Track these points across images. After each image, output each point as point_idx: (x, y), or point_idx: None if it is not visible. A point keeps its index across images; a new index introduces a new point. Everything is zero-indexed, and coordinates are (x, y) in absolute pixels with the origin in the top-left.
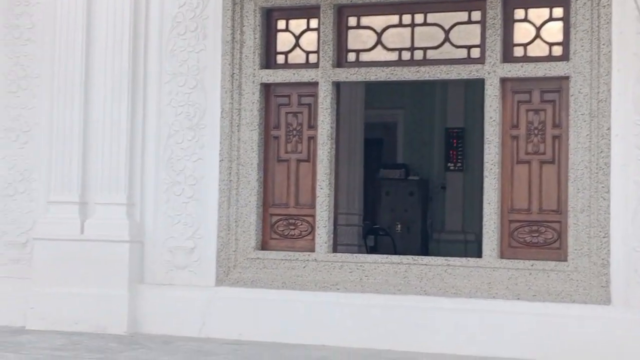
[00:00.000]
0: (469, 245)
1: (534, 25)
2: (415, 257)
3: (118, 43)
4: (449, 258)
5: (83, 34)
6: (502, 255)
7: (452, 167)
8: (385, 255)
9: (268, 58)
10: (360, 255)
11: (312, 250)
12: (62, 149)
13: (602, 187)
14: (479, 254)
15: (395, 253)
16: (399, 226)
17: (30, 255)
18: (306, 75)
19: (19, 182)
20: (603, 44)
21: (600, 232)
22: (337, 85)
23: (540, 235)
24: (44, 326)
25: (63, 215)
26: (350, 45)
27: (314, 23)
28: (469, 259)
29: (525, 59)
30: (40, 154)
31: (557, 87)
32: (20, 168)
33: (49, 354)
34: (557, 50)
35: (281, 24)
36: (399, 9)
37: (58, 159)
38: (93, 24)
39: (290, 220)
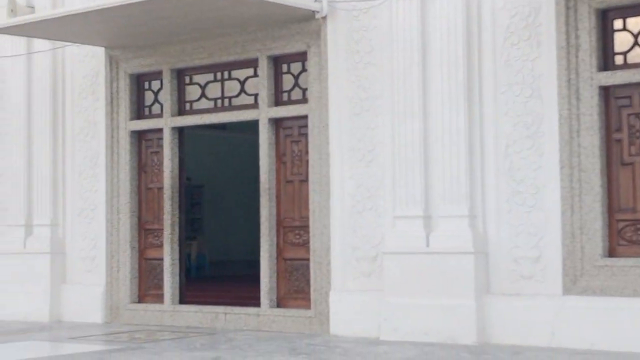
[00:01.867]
0: None
1: None
2: None
3: (452, 58)
4: None
5: (419, 52)
6: None
7: None
8: None
9: (606, 60)
10: None
11: None
12: (405, 164)
13: None
14: None
15: None
16: None
17: (381, 269)
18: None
19: (367, 199)
20: None
21: None
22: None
23: None
24: (397, 337)
25: (409, 229)
26: None
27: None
28: None
29: None
30: (385, 170)
31: None
32: (367, 186)
33: None
34: None
35: (618, 24)
36: None
37: (401, 175)
38: (428, 41)
39: (639, 226)
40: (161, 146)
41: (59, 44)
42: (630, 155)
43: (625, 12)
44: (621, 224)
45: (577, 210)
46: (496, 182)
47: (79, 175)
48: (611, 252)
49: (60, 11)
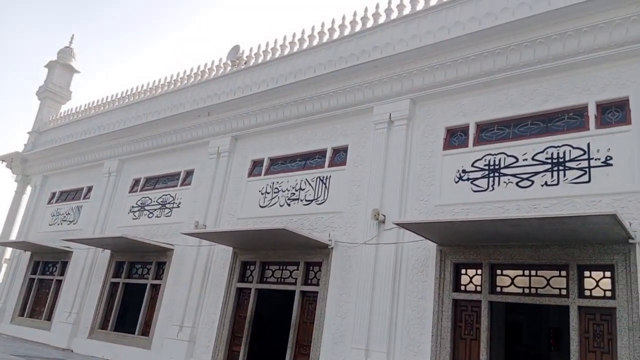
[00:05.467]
0: None
1: None
2: None
3: (386, 277)
4: None
5: (372, 269)
6: None
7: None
8: None
9: (456, 286)
10: None
11: None
12: (359, 321)
13: None
14: None
15: None
16: None
17: None
18: (475, 297)
19: (340, 336)
20: None
21: None
22: (491, 304)
23: None
24: None
25: (358, 353)
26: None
27: (479, 271)
28: None
29: None
30: (350, 323)
31: None
32: (340, 330)
33: None
34: None
35: (463, 271)
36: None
37: (357, 327)
38: (376, 267)
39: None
40: (249, 299)
41: None
42: (464, 334)
43: (466, 265)
44: None
45: (438, 354)
46: (401, 336)
47: None
48: None
49: (214, 229)
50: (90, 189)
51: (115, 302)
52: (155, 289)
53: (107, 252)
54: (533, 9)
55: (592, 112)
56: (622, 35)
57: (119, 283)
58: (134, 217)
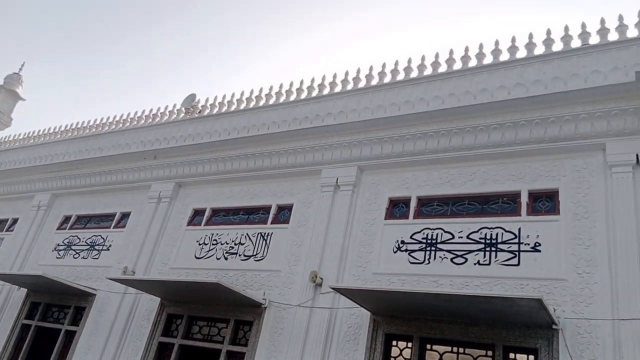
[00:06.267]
0: None
1: None
2: None
3: (319, 345)
4: None
5: (302, 341)
6: None
7: None
8: None
9: (386, 358)
10: None
11: None
12: None
13: None
14: None
15: None
16: None
17: None
18: None
19: None
20: None
21: None
22: None
23: None
24: None
25: None
26: None
27: (409, 344)
28: None
29: None
30: None
31: None
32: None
33: None
34: None
35: (394, 342)
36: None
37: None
38: (309, 334)
39: None
40: (171, 355)
41: None
42: None
43: (397, 337)
44: None
45: None
46: None
47: None
48: None
49: (143, 277)
50: (15, 221)
51: (25, 347)
52: (70, 335)
53: (23, 290)
54: (477, 98)
55: (524, 199)
56: (555, 132)
57: (31, 325)
58: (58, 256)
